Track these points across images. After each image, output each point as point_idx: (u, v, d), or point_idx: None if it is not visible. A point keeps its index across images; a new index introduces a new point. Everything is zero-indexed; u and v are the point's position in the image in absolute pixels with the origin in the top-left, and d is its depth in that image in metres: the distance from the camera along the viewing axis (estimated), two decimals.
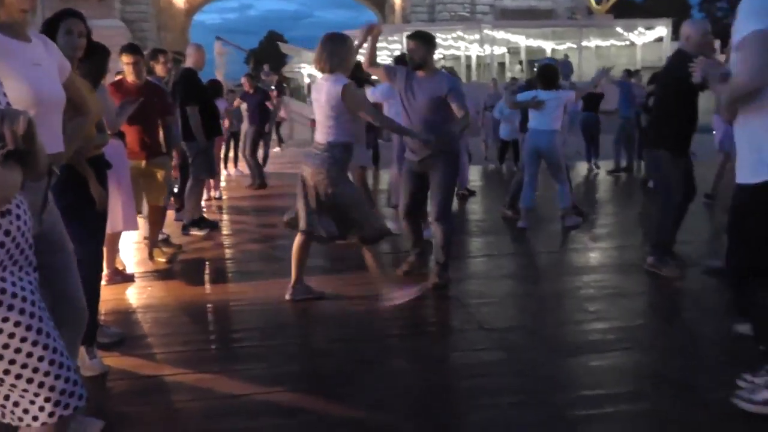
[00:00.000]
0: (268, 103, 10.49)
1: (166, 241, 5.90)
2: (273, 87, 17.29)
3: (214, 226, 6.88)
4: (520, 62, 31.32)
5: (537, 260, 5.89)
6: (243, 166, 10.78)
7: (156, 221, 5.54)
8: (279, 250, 6.22)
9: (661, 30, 28.44)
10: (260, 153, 10.61)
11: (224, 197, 9.04)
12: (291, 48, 41.25)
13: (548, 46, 32.15)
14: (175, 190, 7.11)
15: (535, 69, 33.12)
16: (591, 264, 5.59)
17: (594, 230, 6.69)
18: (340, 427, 2.83)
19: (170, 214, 6.68)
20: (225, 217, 7.85)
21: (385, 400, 3.07)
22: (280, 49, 43.55)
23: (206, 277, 5.39)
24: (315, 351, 3.78)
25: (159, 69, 6.10)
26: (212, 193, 8.79)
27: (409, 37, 4.76)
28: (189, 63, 6.75)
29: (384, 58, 30.22)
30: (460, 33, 29.63)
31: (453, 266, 4.88)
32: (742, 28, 2.50)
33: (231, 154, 11.44)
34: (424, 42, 4.61)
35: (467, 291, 4.73)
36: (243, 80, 10.60)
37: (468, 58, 31.68)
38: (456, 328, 4.11)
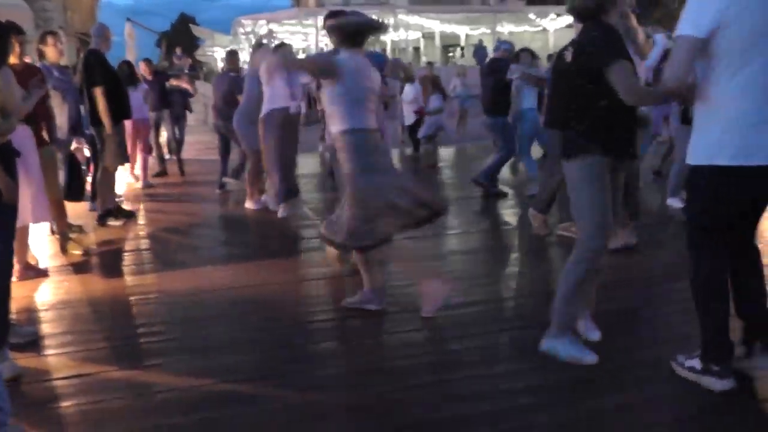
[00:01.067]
0: (175, 82, 10.06)
1: (80, 231, 5.68)
2: (186, 70, 16.76)
3: (131, 216, 6.65)
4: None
5: (460, 240, 5.99)
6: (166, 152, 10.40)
7: (58, 214, 5.29)
8: (198, 239, 6.11)
9: (570, 18, 29.35)
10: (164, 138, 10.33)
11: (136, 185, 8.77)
12: (203, 31, 40.12)
13: (462, 32, 32.62)
14: (89, 178, 6.84)
15: (450, 54, 33.25)
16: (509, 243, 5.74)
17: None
18: (277, 413, 2.80)
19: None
20: (142, 206, 7.59)
21: (317, 382, 3.07)
22: (192, 32, 42.28)
23: (125, 269, 5.18)
24: (240, 340, 3.67)
25: (50, 53, 5.76)
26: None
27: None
28: (94, 44, 6.45)
29: (299, 42, 29.95)
30: (374, 17, 29.47)
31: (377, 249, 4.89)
32: (679, 26, 2.65)
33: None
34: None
35: (392, 273, 4.75)
36: (141, 65, 9.95)
37: (383, 42, 31.70)
38: (382, 311, 4.02)
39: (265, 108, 6.39)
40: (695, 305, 2.88)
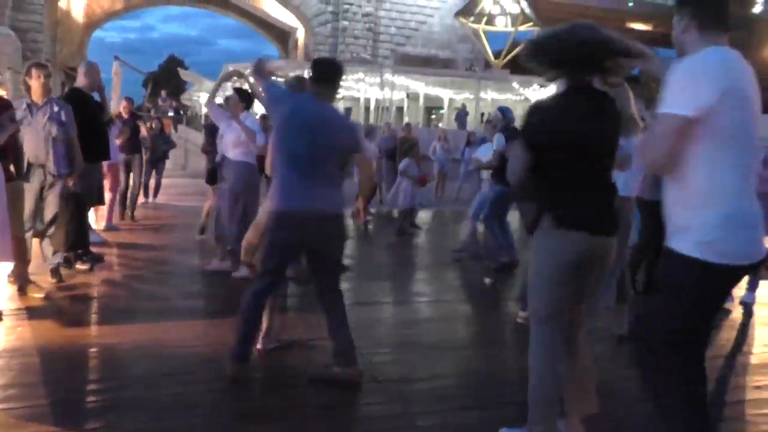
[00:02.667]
0: (144, 128, 9.92)
1: (56, 272, 5.50)
2: (170, 113, 16.78)
3: (99, 260, 6.46)
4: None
5: (434, 307, 5.91)
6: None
7: (19, 254, 5.09)
8: (166, 289, 5.93)
9: (554, 88, 30.00)
10: (148, 182, 10.18)
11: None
12: (191, 75, 40.50)
13: (447, 95, 33.26)
14: None
15: (433, 116, 34.05)
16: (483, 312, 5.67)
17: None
18: None
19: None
20: (113, 250, 7.37)
21: None
22: (180, 75, 42.64)
23: (85, 318, 4.94)
24: (196, 401, 3.48)
25: (34, 86, 5.38)
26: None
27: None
28: (79, 82, 6.37)
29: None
30: (361, 75, 30.08)
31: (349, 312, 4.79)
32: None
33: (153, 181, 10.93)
34: None
35: (362, 339, 4.64)
36: (121, 103, 9.72)
37: (367, 100, 32.17)
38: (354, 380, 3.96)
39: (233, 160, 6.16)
40: None
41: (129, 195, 9.43)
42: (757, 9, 43.18)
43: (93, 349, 4.20)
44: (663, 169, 2.48)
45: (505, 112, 6.98)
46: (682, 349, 2.46)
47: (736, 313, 5.89)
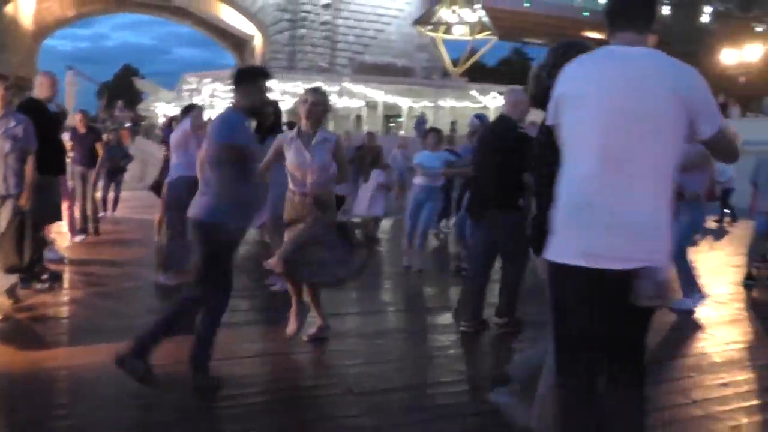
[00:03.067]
0: (98, 144, 9.67)
1: (11, 293, 5.32)
2: (127, 124, 16.44)
3: (57, 278, 6.27)
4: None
5: (409, 317, 5.90)
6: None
7: None
8: (126, 306, 5.79)
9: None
10: (106, 196, 9.95)
11: (64, 244, 8.32)
12: (147, 84, 39.82)
13: (405, 103, 33.42)
14: None
15: (392, 124, 34.19)
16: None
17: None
18: None
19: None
20: (72, 267, 7.16)
21: None
22: (136, 84, 41.90)
23: (40, 339, 4.70)
24: (156, 426, 3.39)
25: None
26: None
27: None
28: (38, 92, 6.17)
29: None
30: (319, 83, 30.00)
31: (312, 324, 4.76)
32: None
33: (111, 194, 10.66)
34: None
35: (334, 351, 4.61)
36: (77, 116, 9.43)
37: None
38: (321, 392, 3.91)
39: (174, 174, 6.11)
40: None
41: (91, 209, 9.17)
42: (705, 19, 44.59)
43: (56, 372, 4.06)
44: None
45: (482, 118, 7.08)
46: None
47: (698, 313, 6.03)
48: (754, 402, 3.96)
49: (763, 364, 4.70)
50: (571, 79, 2.42)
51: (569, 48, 2.81)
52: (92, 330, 4.92)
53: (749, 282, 7.40)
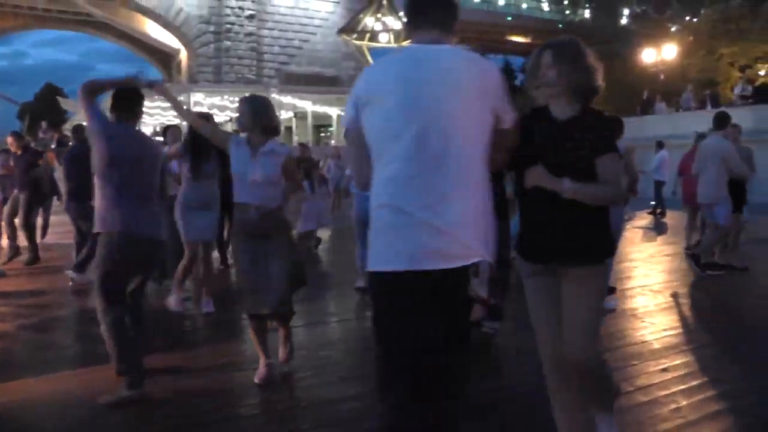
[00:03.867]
0: (41, 161, 9.30)
1: None
2: (53, 145, 15.78)
3: None
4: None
5: (347, 326, 5.86)
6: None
7: None
8: (62, 334, 5.55)
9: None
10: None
11: None
12: (72, 103, 38.47)
13: (334, 112, 33.43)
14: None
15: (323, 134, 34.11)
16: None
17: None
18: None
19: None
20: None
21: None
22: (60, 103, 40.42)
23: None
24: None
25: None
26: None
27: None
28: None
29: (171, 119, 29.35)
30: (247, 95, 29.67)
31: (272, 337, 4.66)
32: None
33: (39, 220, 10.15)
34: None
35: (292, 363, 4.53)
36: (9, 139, 9.19)
37: None
38: (274, 407, 3.83)
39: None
40: None
41: (26, 235, 8.74)
42: (624, 20, 46.34)
43: None
44: None
45: None
46: None
47: (635, 302, 6.22)
48: (693, 383, 4.10)
49: (698, 346, 4.89)
50: (372, 80, 2.35)
51: (541, 49, 2.75)
52: (23, 364, 4.70)
53: (717, 272, 7.44)
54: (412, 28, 2.38)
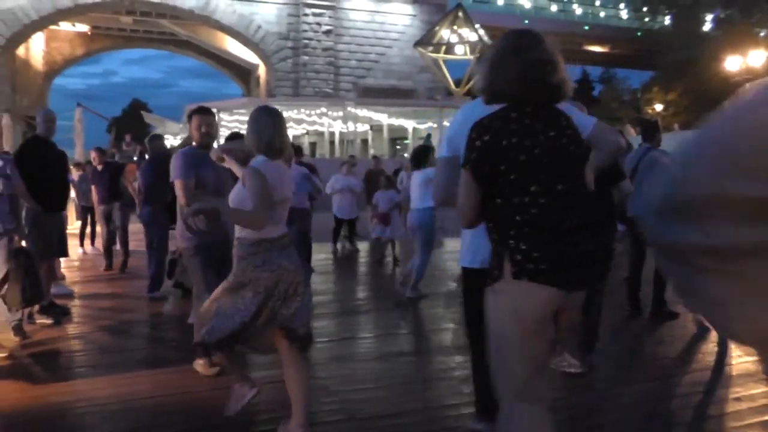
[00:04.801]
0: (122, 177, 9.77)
1: (18, 329, 5.32)
2: (135, 158, 16.55)
3: (64, 313, 6.27)
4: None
5: (406, 340, 5.84)
6: (99, 243, 10.07)
7: None
8: (132, 339, 5.78)
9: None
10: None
11: (75, 279, 8.33)
12: (154, 118, 40.24)
13: (410, 125, 33.48)
14: None
15: (398, 147, 34.18)
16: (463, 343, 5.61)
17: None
18: None
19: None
20: (77, 302, 7.17)
21: None
22: (144, 118, 42.39)
23: (47, 375, 4.71)
24: None
25: None
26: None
27: (201, 112, 4.51)
28: (38, 130, 6.27)
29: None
30: (324, 109, 30.22)
31: (320, 349, 4.71)
32: None
33: (88, 230, 10.75)
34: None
35: (335, 376, 4.55)
36: (92, 154, 9.72)
37: (332, 134, 32.29)
38: (323, 419, 3.82)
39: None
40: None
41: (121, 244, 9.25)
42: (707, 27, 44.56)
43: (60, 408, 4.02)
44: None
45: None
46: None
47: (675, 329, 5.92)
48: None
49: None
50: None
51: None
52: (96, 365, 4.93)
53: None
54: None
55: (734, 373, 4.63)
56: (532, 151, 2.26)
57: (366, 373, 4.67)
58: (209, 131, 4.43)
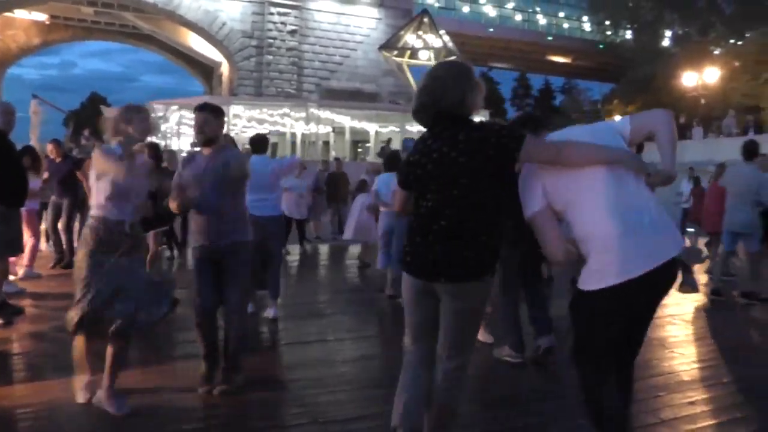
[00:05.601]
0: (79, 173, 9.53)
1: None
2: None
3: (18, 313, 6.10)
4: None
5: (377, 342, 5.85)
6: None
7: None
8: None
9: (478, 120, 30.54)
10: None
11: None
12: (115, 112, 39.43)
13: (372, 128, 33.52)
14: None
15: (359, 150, 34.16)
16: None
17: None
18: None
19: None
20: (29, 301, 6.96)
21: None
22: (104, 113, 41.56)
23: (5, 376, 4.55)
24: None
25: None
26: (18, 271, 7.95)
27: (198, 110, 4.23)
28: None
29: None
30: (286, 110, 30.07)
31: (286, 352, 4.68)
32: None
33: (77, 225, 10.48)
34: (216, 115, 4.24)
35: (300, 380, 4.54)
36: (49, 147, 9.48)
37: (294, 135, 32.14)
38: (288, 423, 3.83)
39: None
40: None
41: (65, 240, 9.01)
42: (666, 43, 45.74)
43: (17, 410, 3.89)
44: None
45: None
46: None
47: (665, 332, 6.10)
48: (723, 419, 3.99)
49: (729, 381, 4.76)
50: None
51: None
52: (51, 366, 4.76)
53: (718, 297, 7.55)
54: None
55: (688, 378, 4.76)
56: (425, 166, 2.80)
57: (330, 377, 4.65)
58: (202, 129, 4.20)
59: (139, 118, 3.91)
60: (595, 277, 2.65)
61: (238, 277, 4.21)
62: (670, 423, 3.88)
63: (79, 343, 3.88)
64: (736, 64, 34.35)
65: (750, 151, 7.44)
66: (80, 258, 3.75)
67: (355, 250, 11.25)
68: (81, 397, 3.91)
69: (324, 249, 12.47)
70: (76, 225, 9.19)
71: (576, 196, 2.69)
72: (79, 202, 9.17)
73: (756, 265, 7.62)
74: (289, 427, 3.72)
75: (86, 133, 18.65)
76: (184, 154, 8.07)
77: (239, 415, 3.87)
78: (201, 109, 4.21)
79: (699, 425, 3.86)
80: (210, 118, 4.18)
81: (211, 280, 4.18)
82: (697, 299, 7.66)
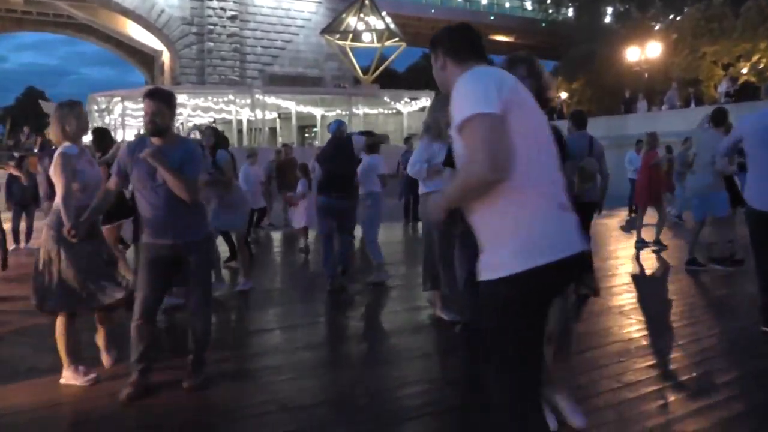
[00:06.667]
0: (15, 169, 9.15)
1: None
2: (35, 150, 15.60)
3: None
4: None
5: (337, 327, 5.80)
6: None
7: None
8: (27, 346, 5.43)
9: (425, 101, 30.73)
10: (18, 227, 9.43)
11: None
12: (54, 107, 38.09)
13: (318, 113, 33.31)
14: None
15: (307, 135, 33.88)
16: (391, 326, 5.64)
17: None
18: None
19: None
20: None
21: None
22: (42, 107, 40.03)
23: None
24: None
25: None
26: None
27: (149, 96, 3.89)
28: None
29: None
30: (231, 97, 29.58)
31: (251, 342, 4.59)
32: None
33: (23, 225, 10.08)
34: (169, 103, 3.93)
35: (265, 367, 4.47)
36: None
37: (239, 122, 31.68)
38: (255, 411, 3.74)
39: None
40: None
41: None
42: (607, 19, 46.57)
43: None
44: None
45: (340, 125, 7.61)
46: None
47: (622, 299, 6.23)
48: (682, 379, 4.10)
49: (685, 342, 4.88)
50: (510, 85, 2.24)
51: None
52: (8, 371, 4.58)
53: (696, 267, 7.66)
54: (460, 60, 2.40)
55: (646, 342, 4.87)
56: None
57: (293, 364, 4.59)
58: (153, 119, 3.85)
59: (74, 114, 4.20)
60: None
61: (202, 273, 4.09)
62: (631, 386, 3.96)
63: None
64: (675, 38, 35.29)
65: (717, 119, 7.66)
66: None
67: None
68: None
69: (277, 236, 12.31)
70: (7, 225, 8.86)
71: None
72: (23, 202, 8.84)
73: (726, 230, 7.83)
74: (260, 415, 3.65)
75: (26, 130, 18.04)
76: None
77: (210, 404, 3.79)
78: (151, 96, 3.87)
79: (659, 386, 3.95)
80: (162, 106, 3.86)
81: (162, 279, 4.03)
82: (653, 266, 7.84)
